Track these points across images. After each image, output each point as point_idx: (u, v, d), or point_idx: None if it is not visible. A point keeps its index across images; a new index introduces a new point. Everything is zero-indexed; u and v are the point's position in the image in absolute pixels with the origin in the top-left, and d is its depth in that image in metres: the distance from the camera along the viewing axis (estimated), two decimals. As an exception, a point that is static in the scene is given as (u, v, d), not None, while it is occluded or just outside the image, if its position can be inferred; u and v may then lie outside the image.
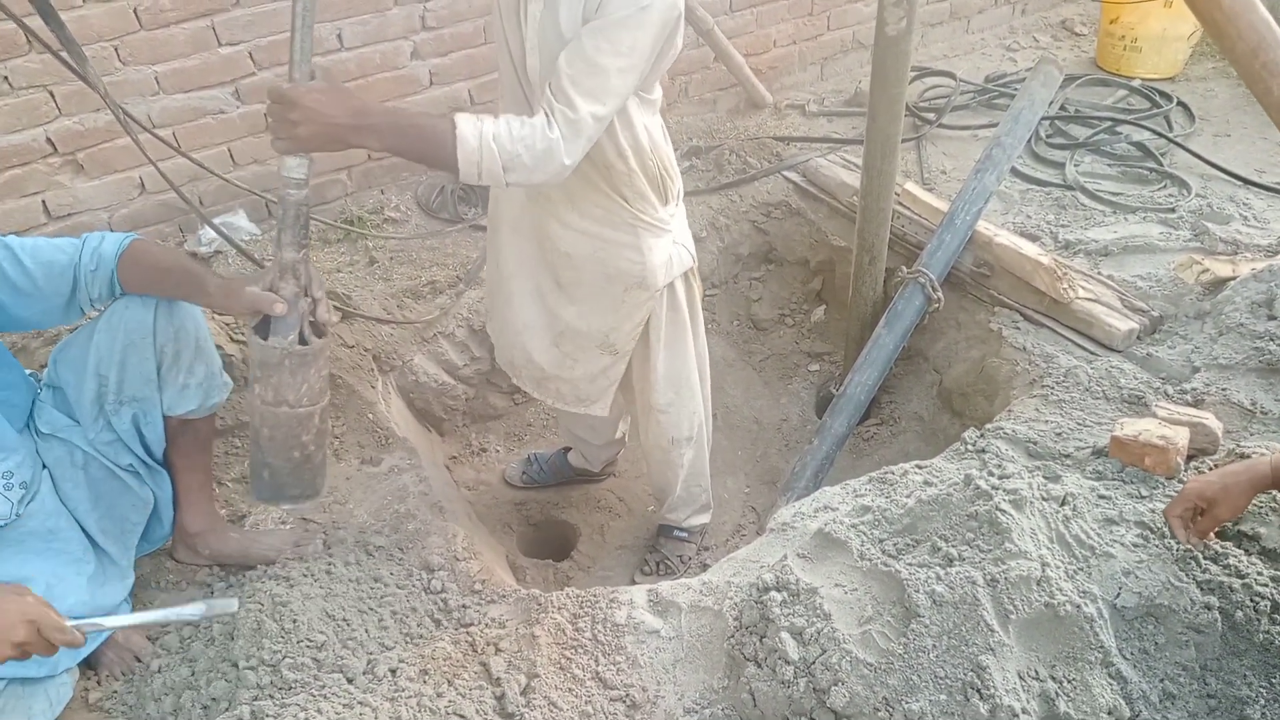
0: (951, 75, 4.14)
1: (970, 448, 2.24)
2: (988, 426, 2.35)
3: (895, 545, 1.79)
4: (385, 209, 3.36)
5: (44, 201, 2.90)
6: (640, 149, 2.00)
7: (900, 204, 3.07)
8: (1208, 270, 2.67)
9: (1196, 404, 2.27)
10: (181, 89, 2.95)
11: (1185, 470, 2.01)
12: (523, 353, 2.37)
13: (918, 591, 1.62)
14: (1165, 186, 3.35)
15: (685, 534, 2.83)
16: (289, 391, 1.75)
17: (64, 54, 2.15)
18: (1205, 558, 1.74)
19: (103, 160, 2.93)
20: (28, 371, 2.00)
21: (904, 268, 2.86)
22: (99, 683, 1.93)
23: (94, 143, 2.90)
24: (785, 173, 3.57)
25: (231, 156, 3.12)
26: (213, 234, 3.05)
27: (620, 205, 2.07)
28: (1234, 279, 2.59)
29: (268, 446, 1.81)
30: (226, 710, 1.76)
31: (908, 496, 1.91)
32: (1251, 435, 2.15)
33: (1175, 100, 3.86)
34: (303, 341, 1.76)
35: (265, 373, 1.75)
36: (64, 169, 2.90)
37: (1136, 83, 4.05)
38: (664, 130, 2.11)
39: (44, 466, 1.91)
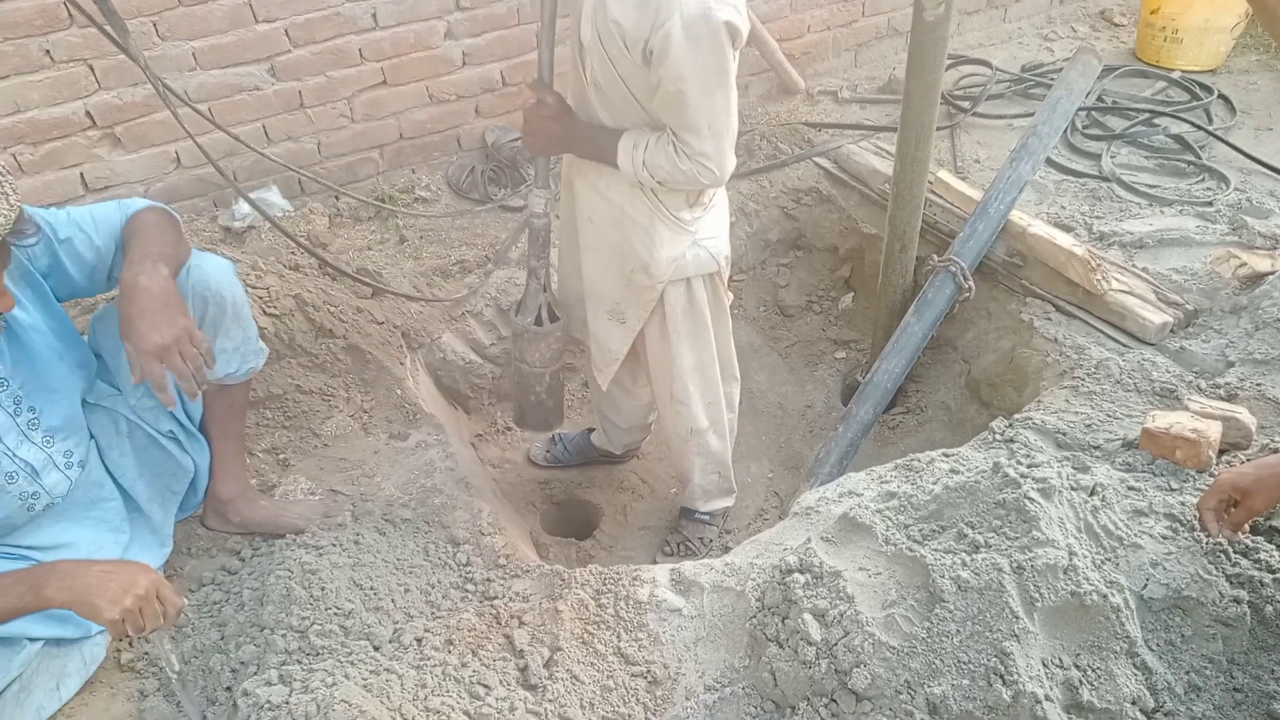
0: (987, 64, 4.09)
1: (998, 437, 2.23)
2: (1016, 416, 2.33)
3: (921, 531, 1.79)
4: (416, 188, 3.37)
5: (82, 174, 2.95)
6: None
7: (933, 192, 3.05)
8: (1245, 264, 2.63)
9: (1230, 398, 2.24)
10: (218, 65, 2.97)
11: (1216, 464, 1.99)
12: (574, 292, 2.47)
13: (943, 577, 1.62)
14: (1203, 180, 3.30)
15: (707, 517, 2.84)
16: (528, 355, 2.45)
17: (106, 27, 2.18)
18: (1235, 552, 1.72)
19: (140, 134, 2.97)
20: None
21: (935, 256, 2.84)
22: (131, 644, 1.96)
23: (132, 117, 2.93)
24: (816, 159, 3.55)
25: (265, 133, 3.15)
26: (245, 209, 3.09)
27: (641, 193, 2.11)
28: (1272, 274, 2.55)
29: (515, 390, 2.61)
30: (255, 674, 1.79)
31: (934, 483, 1.90)
32: (1286, 431, 2.12)
33: (1216, 93, 3.79)
34: (538, 323, 2.40)
35: (514, 340, 2.49)
36: (102, 142, 2.94)
37: (1176, 74, 3.98)
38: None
39: (91, 436, 1.95)
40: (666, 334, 2.35)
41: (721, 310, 2.43)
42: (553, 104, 2.07)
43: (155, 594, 1.60)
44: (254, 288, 2.53)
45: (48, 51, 2.70)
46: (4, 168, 1.50)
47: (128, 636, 1.61)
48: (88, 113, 2.86)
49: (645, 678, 1.80)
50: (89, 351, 1.95)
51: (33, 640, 1.78)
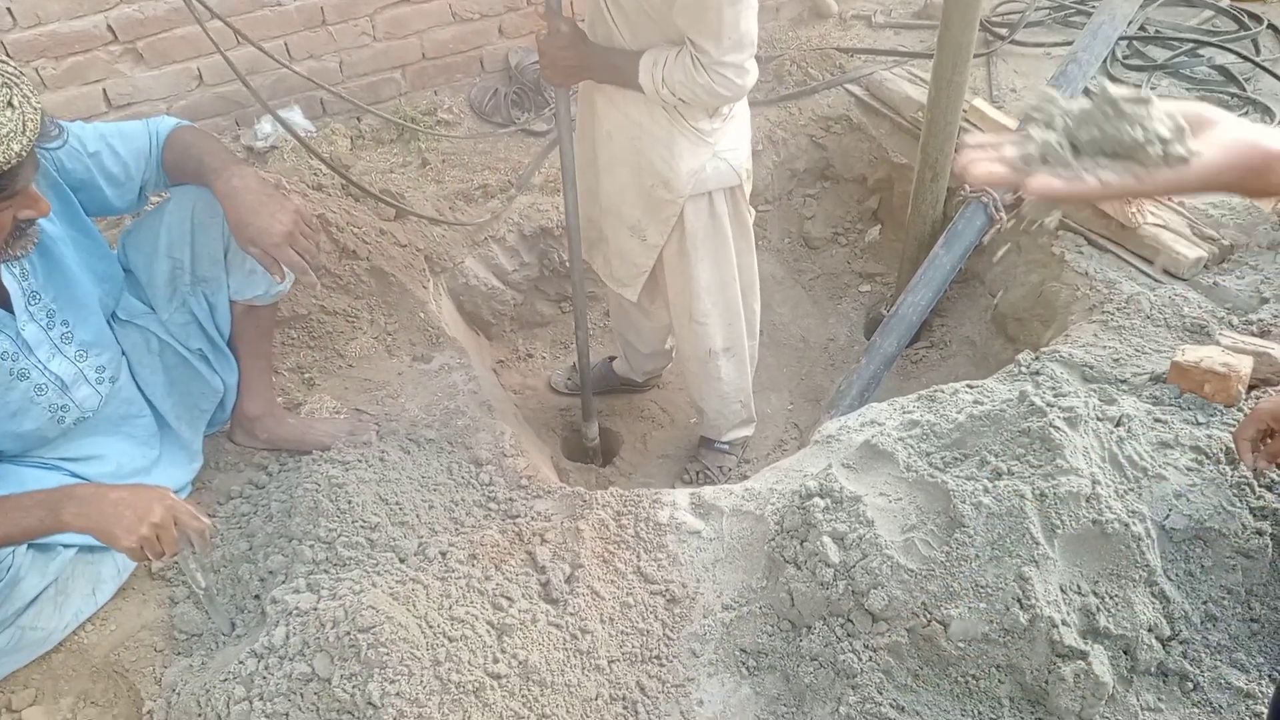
0: (1027, -11, 3.94)
1: (1024, 370, 2.21)
2: (1043, 350, 2.31)
3: (943, 458, 1.79)
4: (438, 110, 3.33)
5: (104, 90, 2.92)
6: None
7: (967, 120, 2.97)
8: (1286, 199, 2.57)
9: (1263, 335, 2.20)
10: (239, -21, 2.92)
11: (1246, 399, 1.97)
12: (585, 213, 2.41)
13: (964, 502, 1.62)
14: (1248, 113, 3.20)
15: (726, 446, 2.85)
16: None
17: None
18: (1261, 485, 1.71)
19: (162, 50, 2.94)
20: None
21: (967, 186, 2.78)
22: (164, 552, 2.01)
23: (154, 31, 2.89)
24: (847, 85, 3.46)
25: (288, 50, 3.10)
26: (268, 129, 3.06)
27: (660, 105, 2.06)
28: (1314, 209, 2.49)
29: None
30: (283, 582, 1.84)
31: (958, 413, 1.89)
32: (1319, 368, 2.09)
33: (1266, 23, 3.65)
34: None
35: None
36: (124, 57, 2.91)
37: (1225, 3, 3.83)
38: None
39: (122, 353, 1.97)
40: (685, 251, 2.32)
41: (743, 227, 2.39)
42: (567, 32, 2.03)
43: (173, 520, 1.62)
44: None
45: (68, -38, 2.67)
46: (19, 74, 1.49)
47: (147, 560, 1.64)
48: (109, 26, 2.83)
49: (664, 595, 1.83)
50: (116, 265, 1.96)
51: (67, 547, 1.83)
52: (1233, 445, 1.73)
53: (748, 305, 2.56)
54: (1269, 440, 1.66)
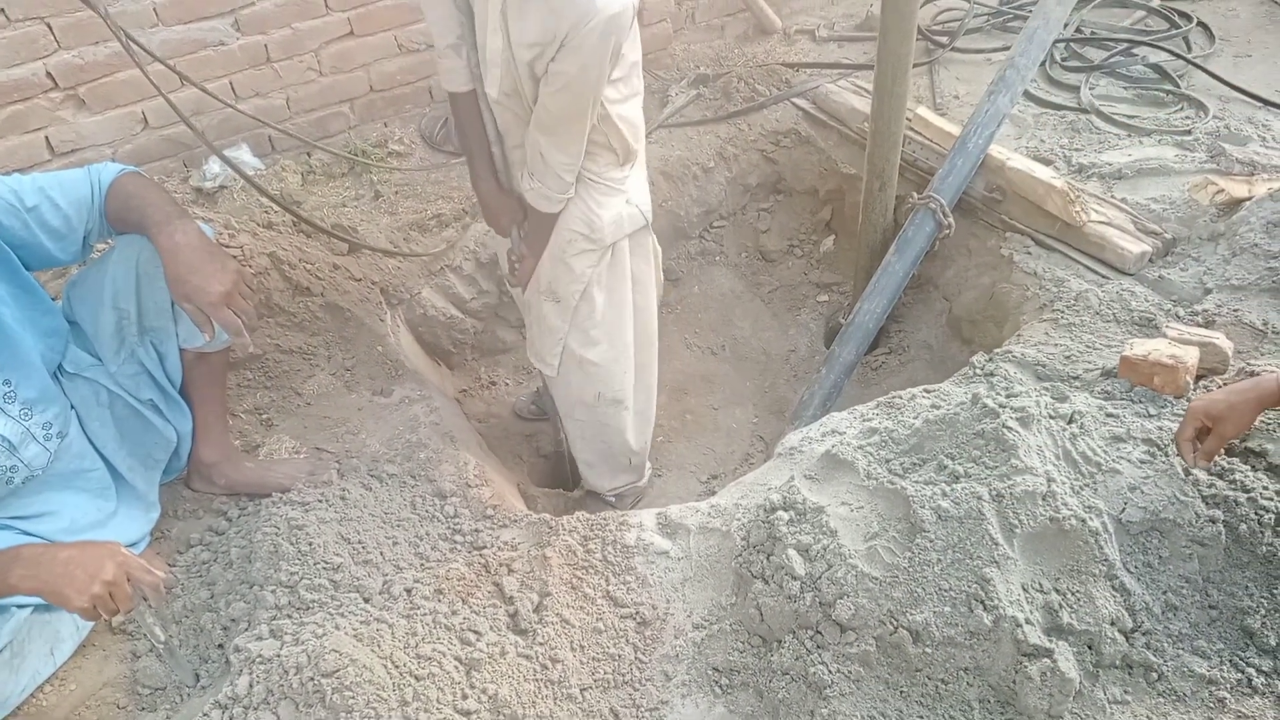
0: (965, -3, 4.03)
1: (979, 371, 2.24)
2: (996, 351, 2.34)
3: (902, 464, 1.81)
4: (389, 142, 3.32)
5: (47, 137, 2.88)
6: (609, 121, 2.04)
7: (912, 129, 3.02)
8: (1223, 191, 2.63)
9: (1208, 325, 2.25)
10: (180, 20, 2.90)
11: (1194, 389, 2.01)
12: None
13: (923, 507, 1.64)
14: (1182, 109, 3.28)
15: (613, 498, 2.80)
16: None
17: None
18: (1211, 474, 1.75)
19: (104, 94, 2.90)
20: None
21: (915, 194, 2.83)
22: (110, 624, 1.96)
23: (95, 76, 2.86)
24: (795, 100, 3.50)
25: (233, 89, 3.08)
26: (216, 169, 3.04)
27: None
28: (1249, 199, 2.55)
29: None
30: (246, 630, 1.81)
31: (915, 418, 1.92)
32: (1262, 355, 2.14)
33: (1195, 20, 3.75)
34: None
35: None
36: (65, 104, 2.87)
37: (1155, 3, 3.93)
38: (640, 102, 2.14)
39: (71, 406, 1.93)
40: (588, 292, 2.31)
41: (644, 276, 2.40)
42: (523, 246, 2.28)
43: (125, 576, 1.59)
44: (227, 246, 2.50)
45: (2, 10, 2.63)
46: None
47: (102, 619, 1.61)
48: (49, 73, 2.79)
49: (634, 618, 1.82)
50: (61, 319, 1.92)
51: (22, 606, 1.79)
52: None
53: (641, 357, 2.53)
54: (1205, 437, 1.69)
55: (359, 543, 1.97)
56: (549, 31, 1.80)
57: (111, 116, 2.95)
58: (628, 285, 2.37)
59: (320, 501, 2.06)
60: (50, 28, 2.73)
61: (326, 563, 1.89)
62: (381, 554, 1.96)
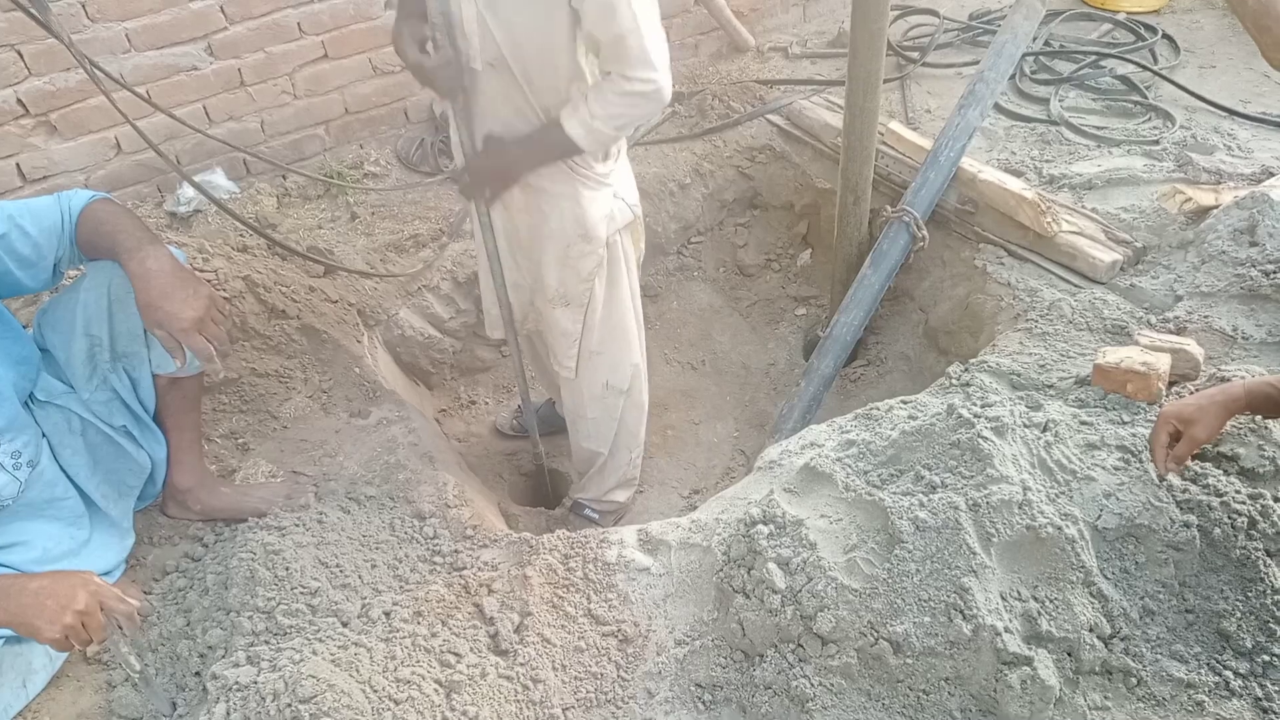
0: (935, 13, 4.08)
1: (955, 382, 2.26)
2: (972, 361, 2.36)
3: (880, 476, 1.81)
4: (365, 163, 3.33)
5: (18, 164, 2.87)
6: None
7: (884, 143, 3.05)
8: (1191, 200, 2.67)
9: (1179, 331, 2.28)
10: (153, 45, 2.90)
11: (1167, 396, 2.03)
12: (517, 305, 2.43)
13: (901, 518, 1.64)
14: (1150, 119, 3.34)
15: (596, 515, 2.81)
16: None
17: (28, 7, 2.10)
18: (1184, 478, 1.76)
19: (76, 121, 2.89)
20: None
21: (889, 207, 2.85)
22: (84, 654, 1.93)
23: (66, 103, 2.85)
24: (769, 116, 3.53)
25: (207, 113, 3.08)
26: (190, 194, 3.03)
27: (558, 165, 2.08)
28: (1217, 207, 2.59)
29: None
30: (222, 657, 1.78)
31: (892, 429, 1.92)
32: (1232, 360, 2.16)
33: (1160, 33, 3.82)
34: None
35: None
36: (37, 130, 2.86)
37: (1121, 16, 4.00)
38: None
39: (43, 435, 1.91)
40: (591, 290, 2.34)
41: (632, 263, 2.41)
42: (482, 149, 2.06)
43: (99, 605, 1.57)
44: (201, 271, 2.49)
45: (-29, 39, 2.62)
46: None
47: (74, 650, 1.58)
48: (19, 100, 2.78)
49: (616, 636, 1.81)
50: (32, 347, 1.90)
51: (-7, 638, 1.76)
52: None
53: (639, 345, 2.56)
54: (1175, 443, 1.71)
55: (337, 566, 1.95)
56: None
57: (84, 143, 2.94)
58: (622, 273, 2.37)
59: (297, 525, 2.05)
60: (20, 55, 2.72)
61: (304, 587, 1.87)
62: (360, 577, 1.94)
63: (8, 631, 1.75)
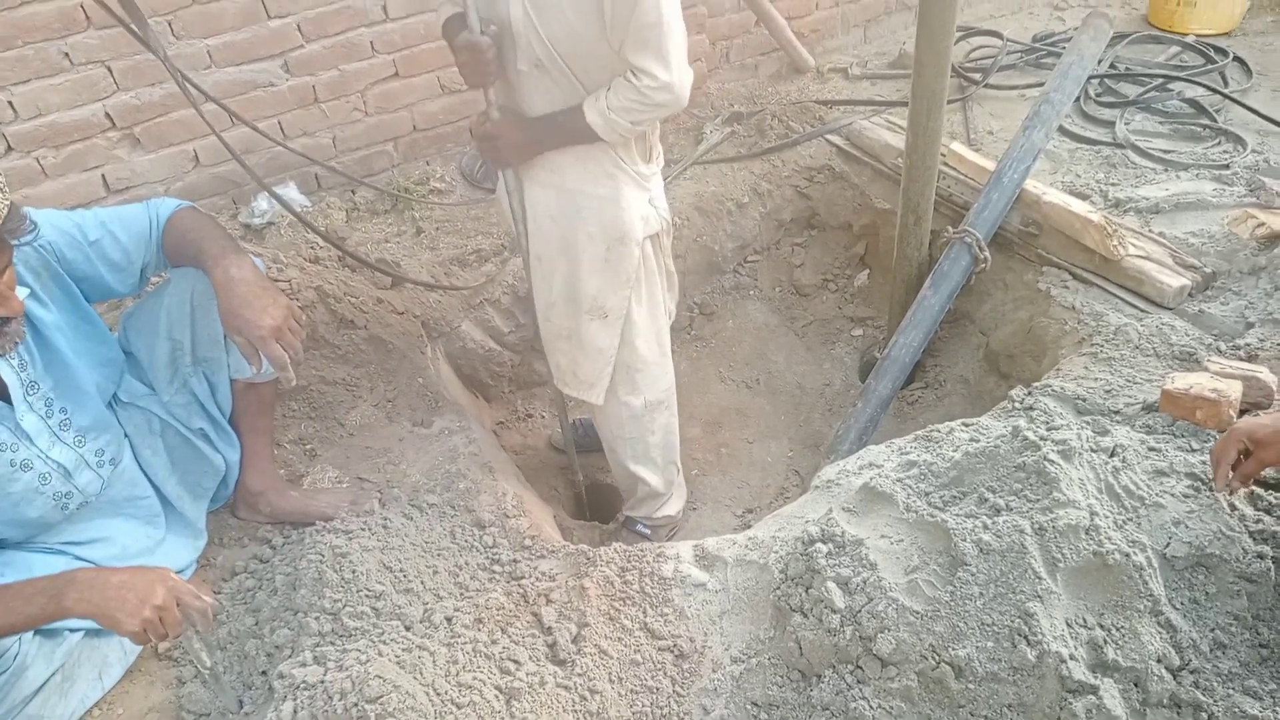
0: (998, 34, 4.06)
1: (1017, 405, 2.23)
2: (1035, 385, 2.33)
3: (941, 498, 1.80)
4: (431, 179, 3.40)
5: (103, 175, 2.99)
6: None
7: (946, 164, 3.04)
8: (1263, 224, 2.61)
9: (1250, 359, 2.23)
10: (232, 62, 3.01)
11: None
12: (539, 319, 2.42)
13: (965, 540, 1.63)
14: (1220, 143, 3.27)
15: (648, 530, 2.79)
16: None
17: (129, 23, 2.21)
18: (1258, 508, 1.72)
19: (158, 134, 3.01)
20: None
21: (950, 228, 2.84)
22: (156, 649, 2.00)
23: (150, 117, 2.97)
24: (828, 136, 3.54)
25: (281, 129, 3.18)
26: (264, 206, 3.13)
27: (601, 152, 2.10)
28: (1291, 233, 2.53)
29: None
30: (289, 656, 1.83)
31: (954, 451, 1.91)
32: (1308, 389, 2.11)
33: (1231, 55, 3.75)
34: None
35: None
36: (122, 143, 2.98)
37: (1190, 38, 3.94)
38: None
39: (125, 434, 1.99)
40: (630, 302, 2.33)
41: (659, 280, 2.40)
42: (500, 117, 2.08)
43: (175, 601, 1.62)
44: (275, 280, 2.57)
45: (66, 54, 2.75)
46: None
47: (151, 643, 1.64)
48: (107, 114, 2.90)
49: (672, 651, 1.82)
50: (117, 349, 1.99)
51: (74, 631, 1.83)
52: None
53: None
54: (1244, 459, 1.67)
55: (400, 571, 1.99)
56: None
57: (165, 155, 3.06)
58: (657, 283, 2.38)
59: (363, 530, 2.10)
60: (110, 70, 2.85)
61: (369, 590, 1.92)
62: (422, 582, 1.98)
63: (89, 624, 1.82)
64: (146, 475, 2.04)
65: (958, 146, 3.11)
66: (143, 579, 1.63)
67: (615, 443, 2.62)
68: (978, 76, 3.78)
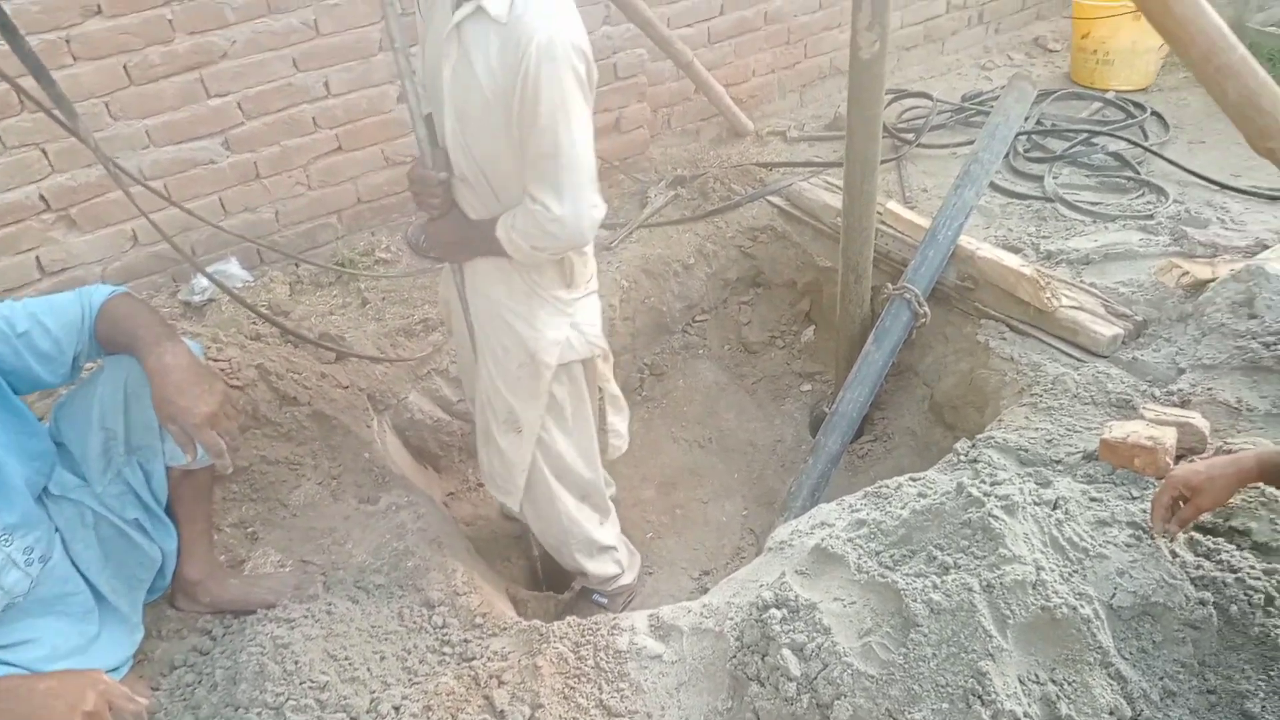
0: (928, 96, 4.21)
1: (963, 458, 2.26)
2: (979, 437, 2.37)
3: (892, 557, 1.80)
4: (376, 250, 3.39)
5: (37, 258, 2.94)
6: None
7: (883, 223, 3.11)
8: (1188, 273, 2.71)
9: (1183, 404, 2.29)
10: (172, 141, 3.00)
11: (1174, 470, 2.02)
12: (474, 409, 2.40)
13: (915, 601, 1.63)
14: (1143, 194, 3.40)
15: (604, 599, 2.75)
16: None
17: (55, 111, 2.19)
18: (1197, 554, 1.75)
19: (95, 214, 2.97)
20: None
21: (889, 284, 2.89)
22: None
23: (86, 197, 2.94)
24: (769, 197, 3.61)
25: (223, 205, 3.16)
26: (205, 283, 3.09)
27: (518, 277, 2.10)
28: (1214, 280, 2.62)
29: None
30: (231, 754, 1.76)
31: (902, 508, 1.92)
32: (1238, 433, 2.17)
33: (1149, 110, 3.93)
34: None
35: None
36: (57, 224, 2.94)
37: (1110, 95, 4.12)
38: None
39: (55, 529, 1.92)
40: (548, 425, 2.29)
41: (588, 408, 2.37)
42: (442, 203, 2.07)
43: (107, 705, 1.55)
44: (215, 360, 2.53)
45: (0, 139, 2.72)
46: None
47: None
48: (41, 196, 2.87)
49: (629, 727, 1.78)
50: (48, 441, 1.92)
51: (-2, 741, 1.74)
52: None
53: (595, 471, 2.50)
54: (1182, 505, 1.71)
55: (345, 659, 1.93)
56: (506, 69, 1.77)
57: (101, 235, 3.02)
58: (587, 411, 2.35)
59: (306, 617, 2.03)
60: (45, 152, 2.82)
61: (313, 682, 1.85)
62: (369, 670, 1.92)
63: (14, 733, 1.73)
64: (79, 570, 1.95)
65: (894, 205, 3.20)
66: (72, 684, 1.56)
67: (543, 536, 2.56)
68: (910, 136, 3.91)
